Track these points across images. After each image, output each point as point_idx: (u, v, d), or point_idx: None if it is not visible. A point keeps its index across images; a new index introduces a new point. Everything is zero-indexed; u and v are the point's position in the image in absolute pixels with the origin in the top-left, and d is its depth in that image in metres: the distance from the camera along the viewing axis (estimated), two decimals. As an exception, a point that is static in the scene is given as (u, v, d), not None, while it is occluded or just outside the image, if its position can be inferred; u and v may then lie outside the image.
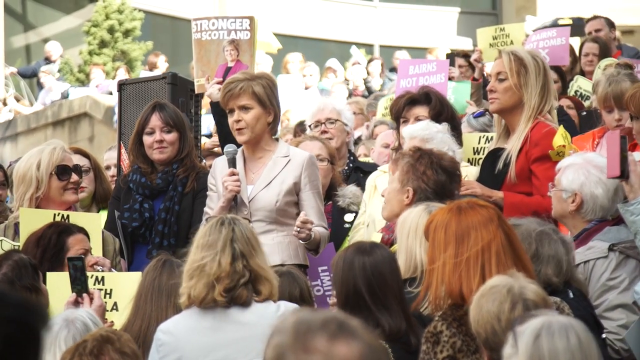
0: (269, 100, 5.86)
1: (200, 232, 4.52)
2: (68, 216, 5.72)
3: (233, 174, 5.74)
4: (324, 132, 7.24)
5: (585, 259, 5.11)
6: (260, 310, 4.40)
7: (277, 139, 6.07)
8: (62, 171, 5.83)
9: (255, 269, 4.41)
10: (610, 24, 10.42)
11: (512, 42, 8.55)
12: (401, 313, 4.38)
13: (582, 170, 5.23)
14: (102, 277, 5.35)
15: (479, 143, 6.69)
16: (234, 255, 4.37)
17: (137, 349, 4.10)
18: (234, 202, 5.73)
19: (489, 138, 6.58)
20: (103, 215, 6.33)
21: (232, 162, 5.81)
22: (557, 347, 3.09)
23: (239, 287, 4.36)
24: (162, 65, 17.00)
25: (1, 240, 5.82)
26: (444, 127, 6.03)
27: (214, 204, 5.84)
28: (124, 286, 5.26)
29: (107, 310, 5.21)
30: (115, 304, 5.28)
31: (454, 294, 4.05)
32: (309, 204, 5.80)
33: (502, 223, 4.16)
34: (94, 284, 5.39)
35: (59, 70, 19.28)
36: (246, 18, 7.18)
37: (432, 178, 5.17)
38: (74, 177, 5.86)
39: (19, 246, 5.56)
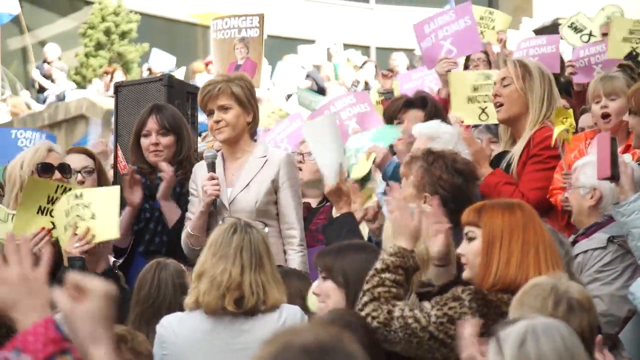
0: (247, 101, 5.87)
1: (213, 234, 4.56)
2: (70, 189, 5.68)
3: (212, 178, 5.76)
4: None
5: (585, 249, 5.14)
6: (262, 319, 4.44)
7: (255, 140, 6.08)
8: (44, 169, 5.81)
9: (263, 279, 4.44)
10: None
11: (494, 27, 8.54)
12: None
13: None
14: (81, 193, 5.41)
15: None
16: (243, 266, 4.40)
17: (152, 349, 4.11)
18: (213, 206, 5.76)
19: None
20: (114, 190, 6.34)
21: (211, 167, 5.82)
22: (544, 350, 3.06)
23: (247, 297, 4.40)
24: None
25: None
26: (455, 129, 6.04)
27: (195, 209, 5.85)
28: (102, 199, 5.38)
29: (84, 220, 5.25)
30: (93, 213, 5.36)
31: (511, 279, 4.02)
32: (286, 203, 5.80)
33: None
34: (74, 199, 5.45)
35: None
36: (256, 15, 7.21)
37: (449, 182, 5.09)
38: (57, 174, 5.85)
39: (13, 215, 5.63)
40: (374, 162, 6.27)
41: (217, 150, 6.02)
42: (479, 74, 7.25)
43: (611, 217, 5.25)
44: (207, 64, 17.56)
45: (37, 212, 5.64)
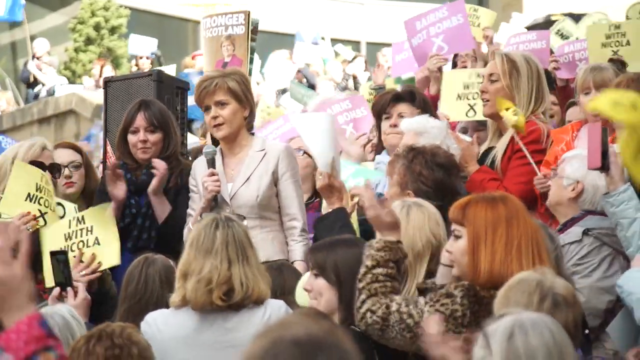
0: (244, 95, 5.87)
1: (194, 231, 4.53)
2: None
3: (212, 174, 5.75)
4: None
5: (562, 243, 5.15)
6: (247, 315, 4.43)
7: (252, 134, 6.08)
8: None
9: (249, 272, 4.43)
10: None
11: (479, 25, 8.54)
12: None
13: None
14: (82, 216, 5.42)
15: None
16: (230, 260, 4.39)
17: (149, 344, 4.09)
18: (215, 202, 5.75)
19: None
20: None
21: (211, 163, 5.81)
22: (533, 344, 3.05)
23: (237, 290, 4.39)
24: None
25: None
26: (443, 124, 6.06)
27: (196, 205, 5.85)
28: (102, 221, 5.36)
29: (89, 246, 5.25)
30: (96, 238, 5.33)
31: (497, 276, 4.03)
32: (288, 194, 5.80)
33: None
34: (76, 225, 5.47)
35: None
36: (241, 13, 7.23)
37: (430, 177, 5.14)
38: (47, 174, 5.87)
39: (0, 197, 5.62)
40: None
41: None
42: (471, 72, 7.26)
43: (587, 212, 5.27)
44: (193, 57, 17.52)
45: (26, 199, 5.66)
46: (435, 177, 5.14)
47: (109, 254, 5.45)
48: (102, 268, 5.33)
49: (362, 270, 4.24)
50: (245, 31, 7.13)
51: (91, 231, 5.47)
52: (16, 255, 2.61)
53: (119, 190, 6.02)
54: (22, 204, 5.62)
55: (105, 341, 3.86)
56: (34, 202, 5.68)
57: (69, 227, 5.68)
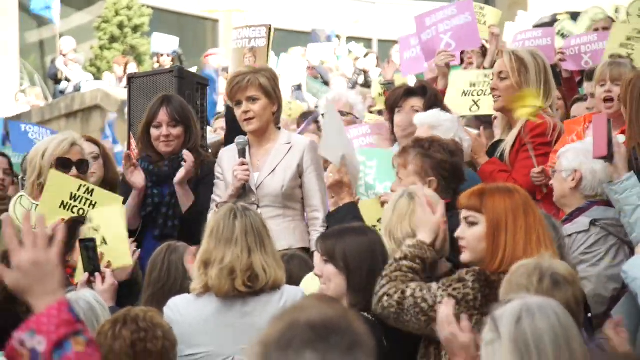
0: (273, 92, 5.94)
1: (213, 220, 4.55)
2: (93, 190, 5.77)
3: (243, 163, 5.81)
4: None
5: (569, 232, 5.15)
6: (265, 300, 4.44)
7: (279, 128, 6.11)
8: (63, 164, 5.83)
9: (267, 259, 4.44)
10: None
11: (485, 23, 8.52)
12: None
13: (581, 151, 5.28)
14: (90, 217, 5.42)
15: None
16: (250, 249, 4.41)
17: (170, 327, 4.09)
18: (242, 190, 5.79)
19: None
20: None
21: (242, 153, 5.88)
22: (540, 327, 3.02)
23: (260, 276, 4.41)
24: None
25: (21, 196, 5.87)
26: (454, 117, 6.07)
27: (220, 192, 5.91)
28: (109, 219, 5.33)
29: (98, 245, 5.25)
30: (103, 238, 5.34)
31: (517, 262, 3.99)
32: (311, 187, 5.86)
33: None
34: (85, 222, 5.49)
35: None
36: (263, 26, 7.27)
37: (448, 162, 5.13)
38: (74, 171, 5.86)
39: (37, 205, 5.63)
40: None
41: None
42: (479, 73, 7.29)
43: (593, 202, 5.25)
44: (206, 56, 17.56)
45: (60, 207, 5.66)
46: (453, 162, 5.14)
47: (119, 254, 5.44)
48: (113, 267, 5.30)
49: (390, 261, 4.28)
50: (266, 44, 7.17)
51: (98, 231, 5.47)
52: (52, 243, 2.62)
53: (138, 178, 6.04)
54: (56, 212, 5.62)
55: (131, 325, 3.87)
56: (67, 210, 5.69)
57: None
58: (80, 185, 5.68)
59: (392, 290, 4.20)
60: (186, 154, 6.03)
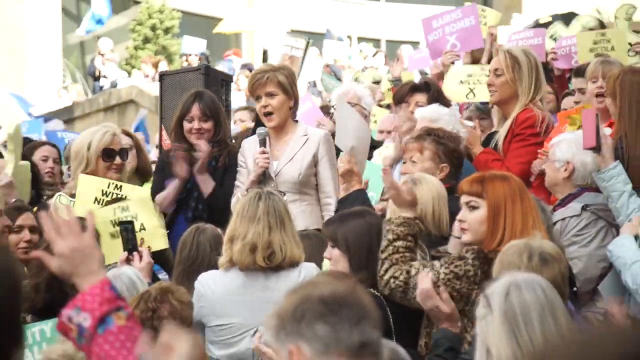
0: (290, 88, 5.93)
1: (240, 203, 4.57)
2: (121, 186, 5.82)
3: (264, 152, 5.82)
4: None
5: (563, 216, 5.15)
6: (285, 275, 4.45)
7: (297, 121, 6.11)
8: (108, 154, 5.88)
9: (285, 238, 4.46)
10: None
11: (486, 23, 8.53)
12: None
13: (573, 143, 5.25)
14: (127, 205, 5.43)
15: None
16: (270, 227, 4.42)
17: (192, 301, 4.13)
18: (263, 176, 5.81)
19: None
20: (146, 186, 6.40)
21: (262, 142, 5.88)
22: (527, 300, 3.03)
23: (277, 253, 4.42)
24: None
25: (60, 195, 5.90)
26: (452, 110, 6.09)
27: (243, 178, 5.91)
28: (143, 208, 5.37)
29: (137, 231, 5.26)
30: (142, 224, 5.33)
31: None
32: (325, 176, 5.85)
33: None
34: (121, 212, 5.50)
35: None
36: (303, 40, 7.32)
37: (459, 152, 5.21)
38: (118, 160, 5.91)
39: (73, 202, 5.65)
40: None
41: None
42: (476, 67, 7.28)
43: (583, 188, 5.25)
44: (225, 57, 17.65)
45: (94, 202, 5.70)
46: (460, 152, 5.24)
47: (156, 238, 5.44)
48: (152, 250, 5.33)
49: (384, 243, 4.25)
50: (302, 56, 7.24)
51: (136, 218, 5.47)
52: (85, 229, 2.63)
53: (183, 170, 6.07)
54: (90, 206, 5.65)
55: (142, 305, 3.92)
56: (101, 205, 5.74)
57: (114, 214, 5.69)
58: (109, 183, 5.72)
59: (398, 272, 4.20)
60: (201, 144, 6.03)
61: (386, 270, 4.21)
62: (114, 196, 5.78)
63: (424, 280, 3.97)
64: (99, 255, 2.60)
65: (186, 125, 6.18)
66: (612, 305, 4.33)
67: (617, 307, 4.28)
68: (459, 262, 4.11)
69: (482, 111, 6.99)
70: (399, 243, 4.23)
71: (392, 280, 4.19)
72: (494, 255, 4.00)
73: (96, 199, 5.72)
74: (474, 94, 7.03)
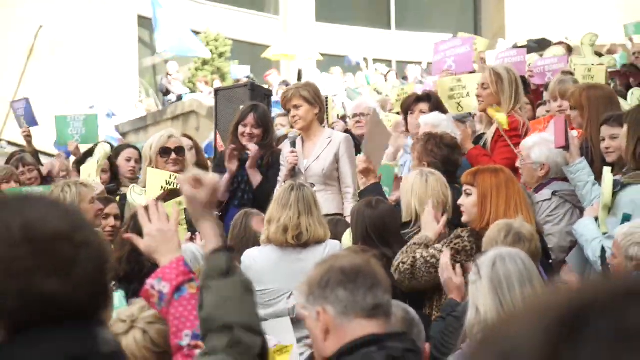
0: (313, 99, 5.95)
1: (278, 192, 4.62)
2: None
3: (293, 152, 5.85)
4: (359, 121, 7.29)
5: (536, 200, 5.13)
6: (313, 250, 4.45)
7: (324, 127, 6.14)
8: (164, 151, 5.88)
9: (312, 221, 4.46)
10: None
11: (477, 49, 8.52)
12: (400, 248, 4.39)
13: (545, 145, 5.22)
14: (181, 201, 5.42)
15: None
16: (300, 212, 4.43)
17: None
18: (293, 171, 5.84)
19: None
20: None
21: (293, 144, 5.94)
22: (509, 269, 3.05)
23: (304, 233, 4.43)
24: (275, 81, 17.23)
25: (133, 186, 5.93)
26: (448, 117, 6.10)
27: (283, 174, 5.94)
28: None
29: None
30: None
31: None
32: (345, 171, 5.86)
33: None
34: (179, 206, 5.46)
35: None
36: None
37: (439, 153, 5.17)
38: (173, 155, 5.90)
39: (144, 191, 5.64)
40: None
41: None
42: (452, 78, 7.23)
43: (553, 178, 5.22)
44: (265, 76, 17.77)
45: (160, 190, 5.72)
46: (442, 154, 5.18)
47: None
48: None
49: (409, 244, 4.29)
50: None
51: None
52: (168, 218, 2.67)
53: (233, 165, 6.10)
54: (157, 193, 5.68)
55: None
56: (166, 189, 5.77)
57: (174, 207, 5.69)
58: (170, 175, 5.74)
59: (405, 258, 4.22)
60: (250, 146, 6.09)
61: (395, 260, 4.26)
62: (175, 186, 5.79)
63: (444, 256, 3.97)
64: (178, 238, 2.64)
65: (241, 129, 6.22)
66: (564, 273, 4.32)
67: (570, 275, 4.26)
68: (457, 240, 4.12)
69: (460, 120, 6.99)
70: (420, 250, 4.27)
71: (400, 264, 4.20)
72: (484, 233, 4.02)
73: (162, 187, 5.75)
74: (462, 107, 7.01)
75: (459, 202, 4.28)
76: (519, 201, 4.15)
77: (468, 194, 4.22)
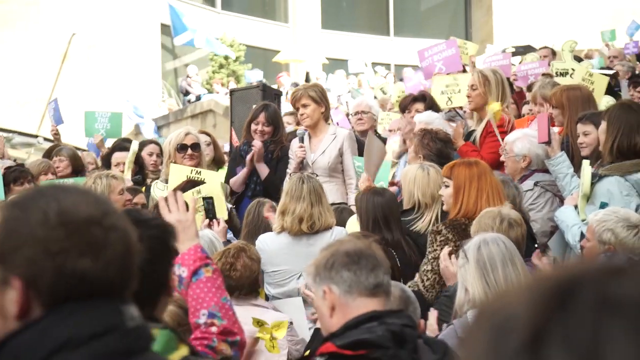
0: (320, 99, 5.93)
1: (288, 183, 4.59)
2: (201, 171, 5.77)
3: (301, 146, 5.84)
4: (360, 118, 7.26)
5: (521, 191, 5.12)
6: (321, 236, 4.46)
7: (329, 123, 6.11)
8: (180, 148, 5.85)
9: (322, 210, 4.46)
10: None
11: (467, 53, 8.46)
12: (399, 232, 4.39)
13: (526, 139, 5.19)
14: (200, 189, 5.41)
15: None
16: (312, 203, 4.43)
17: (260, 257, 4.11)
18: (301, 164, 5.84)
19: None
20: (221, 172, 6.41)
21: (301, 139, 5.93)
22: (493, 251, 3.06)
23: (316, 222, 4.43)
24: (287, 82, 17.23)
25: (156, 182, 5.91)
26: (441, 115, 6.09)
27: (291, 166, 5.91)
28: (212, 189, 5.19)
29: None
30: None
31: (470, 211, 4.07)
32: (347, 163, 5.87)
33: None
34: (197, 195, 5.44)
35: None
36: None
37: (434, 147, 5.15)
38: (189, 151, 5.87)
39: (167, 186, 5.57)
40: None
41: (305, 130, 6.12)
42: (450, 77, 7.18)
43: (534, 170, 5.20)
44: (278, 78, 17.75)
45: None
46: (436, 147, 5.16)
47: (220, 210, 5.43)
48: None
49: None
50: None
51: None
52: (187, 207, 2.68)
53: (255, 164, 6.10)
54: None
55: (223, 258, 3.92)
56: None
57: (192, 195, 5.63)
58: (192, 169, 5.71)
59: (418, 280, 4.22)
60: (255, 143, 6.03)
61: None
62: (196, 179, 5.77)
63: (443, 250, 3.96)
64: (195, 227, 2.64)
65: (253, 126, 6.22)
66: (534, 258, 4.30)
67: (539, 259, 4.25)
68: (440, 236, 4.11)
69: (450, 119, 6.97)
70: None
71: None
72: (462, 222, 4.05)
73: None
74: (452, 101, 7.00)
75: (440, 192, 4.31)
76: (491, 192, 4.15)
77: (446, 186, 4.25)
